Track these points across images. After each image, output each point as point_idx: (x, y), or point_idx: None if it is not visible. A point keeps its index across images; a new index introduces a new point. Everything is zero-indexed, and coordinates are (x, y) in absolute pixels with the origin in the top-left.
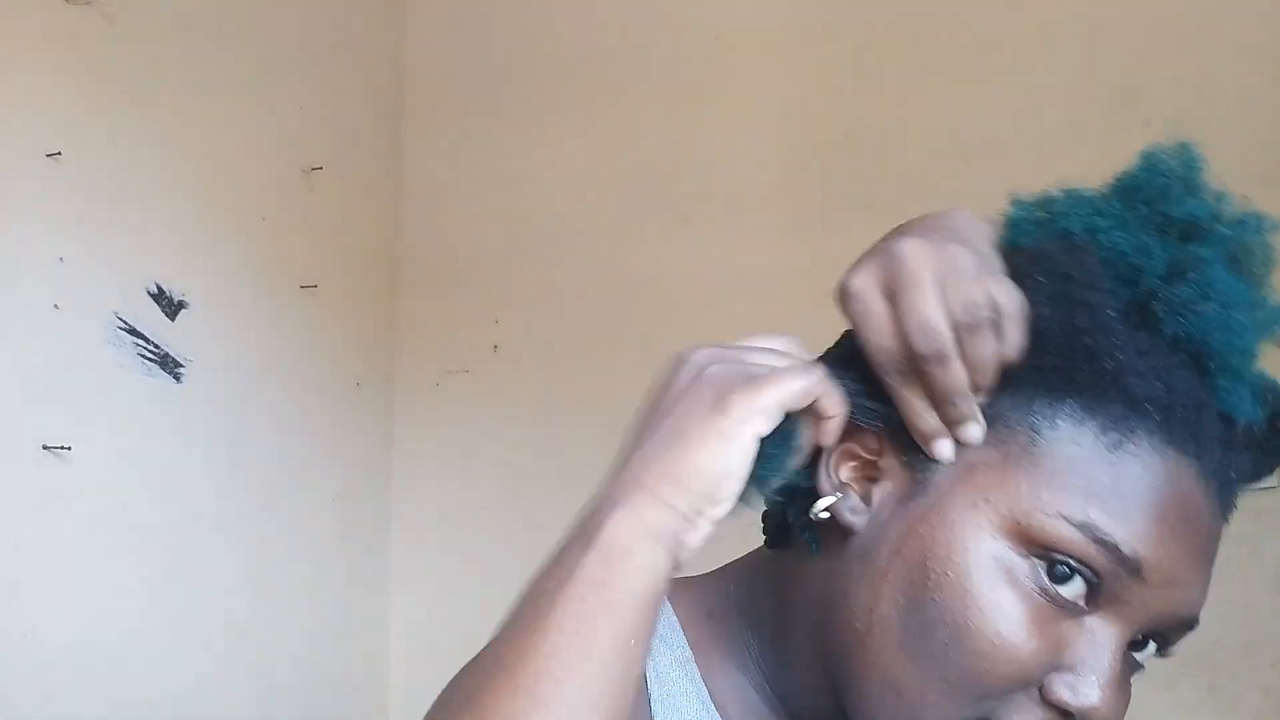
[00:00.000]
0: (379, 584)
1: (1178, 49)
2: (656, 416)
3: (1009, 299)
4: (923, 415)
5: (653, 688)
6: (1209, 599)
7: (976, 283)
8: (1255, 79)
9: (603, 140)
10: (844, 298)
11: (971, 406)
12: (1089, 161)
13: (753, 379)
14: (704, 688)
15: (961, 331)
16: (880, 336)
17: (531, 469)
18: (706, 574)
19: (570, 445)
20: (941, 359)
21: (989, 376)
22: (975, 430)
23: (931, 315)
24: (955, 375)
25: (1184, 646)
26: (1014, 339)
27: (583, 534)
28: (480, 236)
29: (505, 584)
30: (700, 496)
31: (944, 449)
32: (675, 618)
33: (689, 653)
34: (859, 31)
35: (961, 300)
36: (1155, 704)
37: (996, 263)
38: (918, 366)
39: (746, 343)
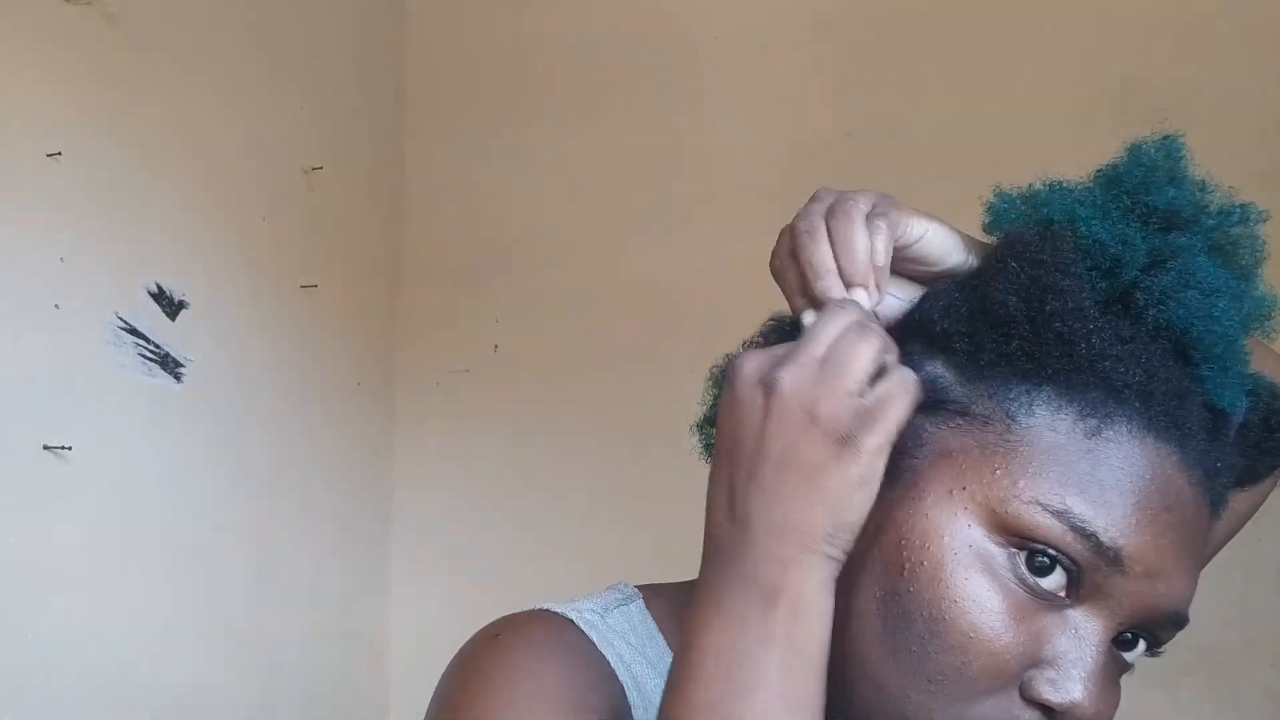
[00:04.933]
0: (379, 584)
1: (1177, 47)
2: (775, 465)
3: (892, 215)
4: (794, 291)
5: (633, 697)
6: (1209, 599)
7: (863, 196)
8: (1255, 77)
9: (603, 140)
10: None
11: (837, 284)
12: (1089, 160)
13: (867, 412)
14: None
15: (829, 216)
16: (781, 245)
17: (532, 469)
18: (684, 581)
19: (570, 445)
20: (810, 232)
21: (857, 260)
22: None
23: (812, 210)
24: (821, 251)
25: (1181, 647)
26: (880, 244)
27: (758, 596)
28: (480, 236)
29: (506, 583)
30: (850, 540)
31: (807, 317)
32: (653, 622)
33: (671, 655)
34: (859, 31)
35: (839, 200)
36: (1155, 704)
37: (909, 210)
38: (794, 245)
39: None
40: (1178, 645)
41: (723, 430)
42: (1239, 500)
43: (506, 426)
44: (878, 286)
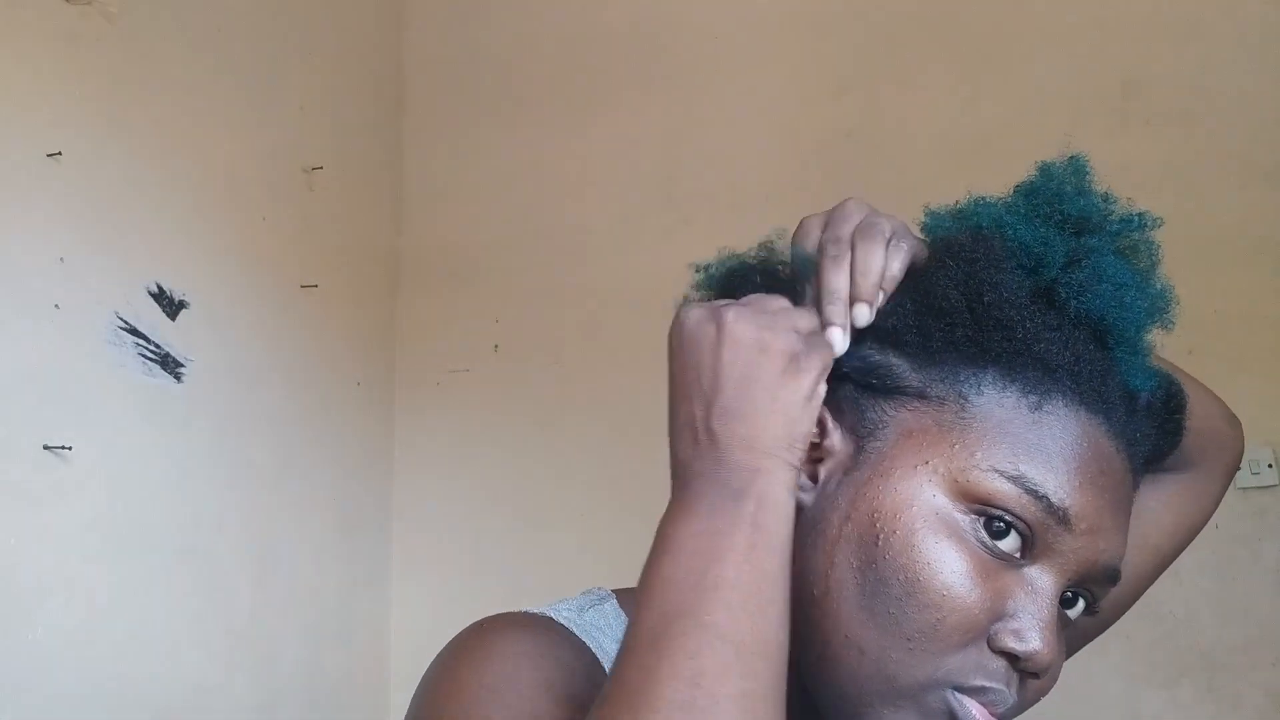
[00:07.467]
0: (379, 583)
1: (1178, 47)
2: (736, 386)
3: (910, 243)
4: (806, 266)
5: None
6: (1209, 599)
7: (888, 221)
8: (1255, 77)
9: (603, 140)
10: (796, 232)
11: (843, 312)
12: (1089, 160)
13: (807, 342)
14: None
15: (856, 236)
16: (808, 240)
17: (531, 468)
18: None
19: (570, 444)
20: (837, 258)
21: (869, 280)
22: (839, 336)
23: (845, 229)
24: (840, 275)
25: (1181, 647)
26: (895, 265)
27: (729, 494)
28: (480, 236)
29: (505, 582)
30: (803, 451)
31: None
32: (627, 619)
33: None
34: (859, 31)
35: (866, 221)
36: (1155, 704)
37: (916, 238)
38: (819, 262)
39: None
40: (1178, 645)
41: (680, 368)
42: (1179, 511)
43: (506, 426)
44: (884, 293)
